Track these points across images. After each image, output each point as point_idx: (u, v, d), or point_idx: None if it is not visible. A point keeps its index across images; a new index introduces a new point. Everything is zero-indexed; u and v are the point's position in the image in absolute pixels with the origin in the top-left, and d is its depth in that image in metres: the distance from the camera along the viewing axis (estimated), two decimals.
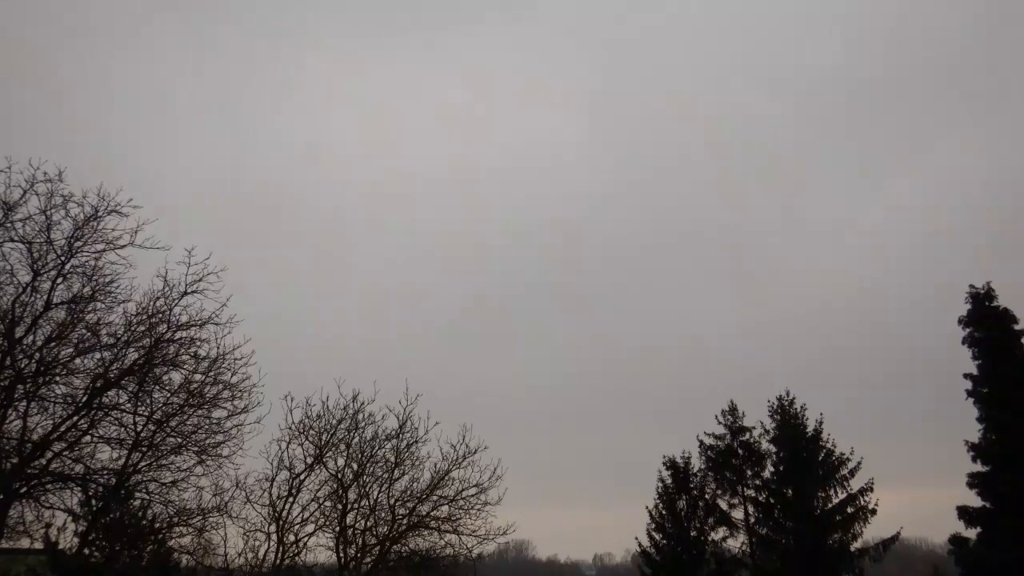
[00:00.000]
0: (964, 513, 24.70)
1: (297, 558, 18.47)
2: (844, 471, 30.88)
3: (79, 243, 15.38)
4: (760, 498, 31.48)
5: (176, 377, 16.41)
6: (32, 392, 15.21)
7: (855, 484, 30.67)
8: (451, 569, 19.63)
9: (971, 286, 26.59)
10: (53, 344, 15.31)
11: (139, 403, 15.95)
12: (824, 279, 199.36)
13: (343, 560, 18.78)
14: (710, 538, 31.30)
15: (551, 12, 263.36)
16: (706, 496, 31.94)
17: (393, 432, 19.58)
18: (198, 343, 16.38)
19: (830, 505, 30.60)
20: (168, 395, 16.24)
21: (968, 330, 26.18)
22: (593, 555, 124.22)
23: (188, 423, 16.46)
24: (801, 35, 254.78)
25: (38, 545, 16.19)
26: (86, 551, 16.31)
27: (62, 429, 15.24)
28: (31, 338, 15.25)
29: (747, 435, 32.60)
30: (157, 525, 16.70)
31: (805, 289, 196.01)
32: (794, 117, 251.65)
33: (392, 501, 19.45)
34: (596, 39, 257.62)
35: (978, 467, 24.89)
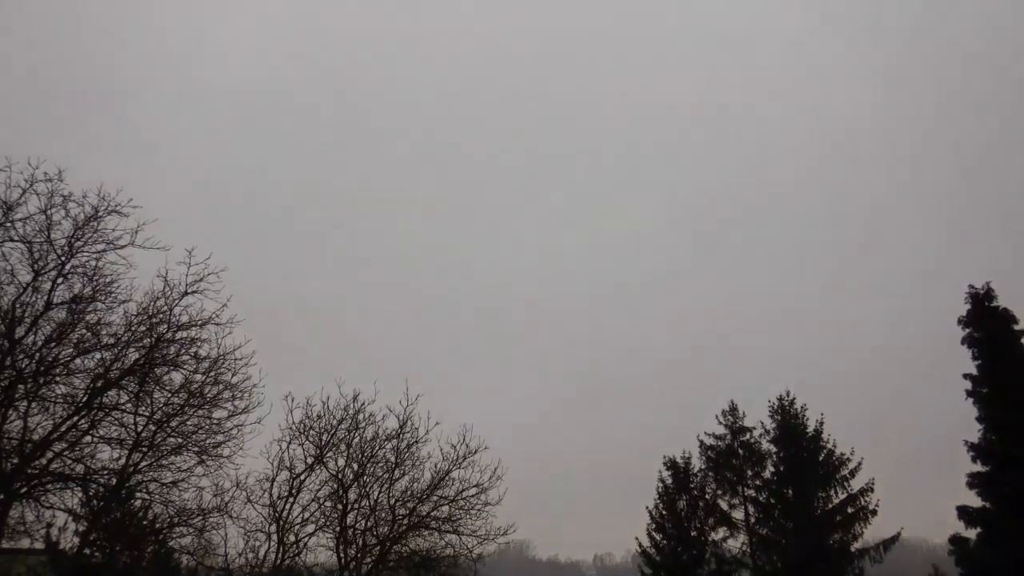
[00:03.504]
0: (964, 513, 24.63)
1: (297, 558, 18.51)
2: (844, 471, 30.84)
3: (79, 243, 15.39)
4: (760, 498, 31.43)
5: (177, 377, 16.45)
6: (33, 392, 15.21)
7: (855, 484, 30.63)
8: (451, 569, 19.64)
9: (971, 286, 26.52)
10: (54, 344, 15.30)
11: (140, 403, 15.96)
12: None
13: (343, 560, 18.79)
14: (710, 538, 31.23)
15: None
16: (706, 496, 31.87)
17: (393, 432, 19.64)
18: (198, 343, 16.42)
19: (830, 505, 30.56)
20: (169, 395, 16.26)
21: (968, 330, 26.10)
22: (593, 555, 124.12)
23: (188, 423, 16.48)
24: None
25: (39, 545, 16.20)
26: (86, 551, 16.33)
27: (63, 429, 15.24)
28: (32, 338, 15.25)
29: (747, 435, 32.52)
30: (158, 525, 16.71)
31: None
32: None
33: (392, 501, 19.48)
34: None
35: (978, 467, 24.82)
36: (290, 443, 18.80)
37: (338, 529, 18.98)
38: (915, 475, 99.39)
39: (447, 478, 19.53)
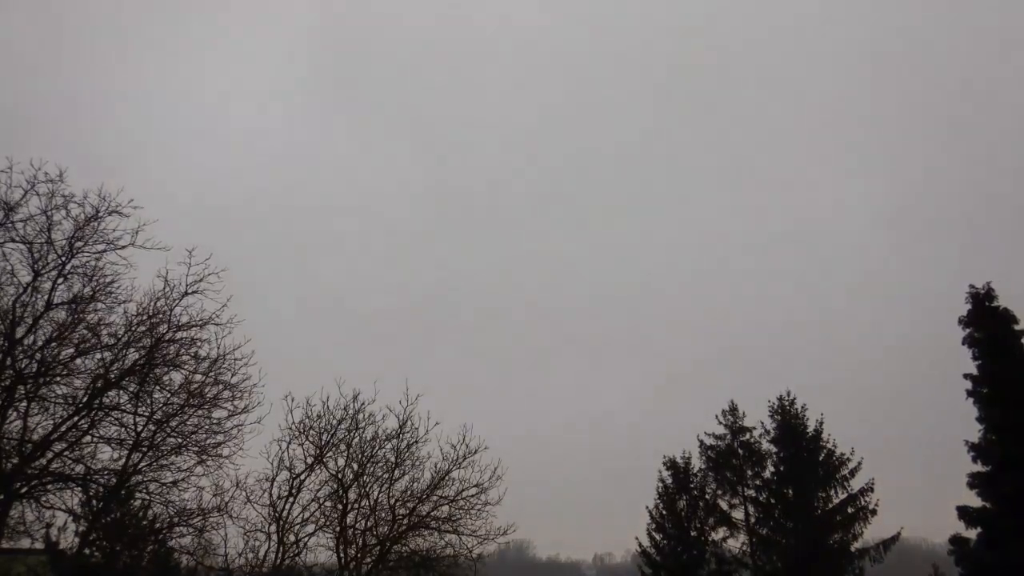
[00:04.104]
0: (964, 513, 24.62)
1: (297, 558, 18.50)
2: (844, 471, 30.87)
3: (80, 243, 15.44)
4: (760, 498, 31.45)
5: (176, 377, 16.48)
6: (33, 392, 15.23)
7: (855, 484, 30.68)
8: (451, 569, 19.63)
9: (971, 286, 26.50)
10: (54, 344, 15.33)
11: (139, 403, 15.98)
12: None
13: (343, 560, 18.79)
14: (710, 538, 31.26)
15: None
16: (706, 496, 31.90)
17: (393, 432, 19.63)
18: (199, 343, 16.46)
19: (830, 505, 30.58)
20: (168, 395, 16.29)
21: (968, 330, 26.07)
22: (593, 555, 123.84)
23: (188, 423, 16.50)
24: None
25: (39, 545, 16.21)
26: (86, 551, 16.32)
27: (63, 429, 15.26)
28: (32, 338, 15.29)
29: (747, 435, 32.56)
30: (157, 525, 16.72)
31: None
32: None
33: (392, 501, 19.47)
34: None
35: (978, 467, 24.81)
36: (290, 443, 18.81)
37: (338, 529, 18.98)
38: (915, 475, 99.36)
39: (447, 478, 19.53)
